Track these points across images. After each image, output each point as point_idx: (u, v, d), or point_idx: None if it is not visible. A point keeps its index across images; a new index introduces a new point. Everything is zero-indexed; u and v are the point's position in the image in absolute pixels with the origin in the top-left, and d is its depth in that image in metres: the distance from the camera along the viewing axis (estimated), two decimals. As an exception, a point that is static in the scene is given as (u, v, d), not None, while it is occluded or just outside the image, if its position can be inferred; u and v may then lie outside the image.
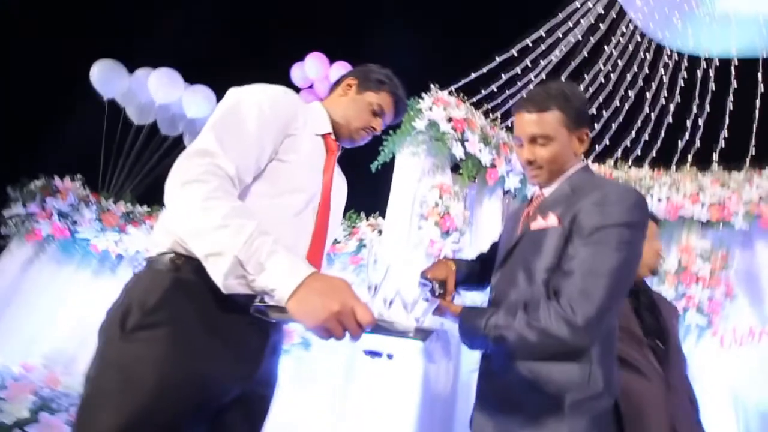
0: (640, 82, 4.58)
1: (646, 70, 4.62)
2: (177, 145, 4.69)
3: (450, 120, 2.83)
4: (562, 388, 0.97)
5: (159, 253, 0.91)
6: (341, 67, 4.68)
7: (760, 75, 4.39)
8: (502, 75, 3.62)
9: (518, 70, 3.67)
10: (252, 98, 0.99)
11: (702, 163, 3.61)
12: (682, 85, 4.67)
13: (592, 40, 4.15)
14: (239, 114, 0.96)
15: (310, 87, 5.13)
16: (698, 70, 4.68)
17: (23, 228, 3.34)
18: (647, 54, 4.66)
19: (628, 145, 4.23)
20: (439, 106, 2.86)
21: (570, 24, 3.93)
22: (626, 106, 4.46)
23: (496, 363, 1.10)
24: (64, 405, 2.45)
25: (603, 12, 4.21)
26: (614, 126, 4.26)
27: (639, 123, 4.41)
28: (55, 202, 3.36)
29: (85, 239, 3.41)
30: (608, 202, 1.03)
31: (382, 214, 3.15)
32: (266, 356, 0.95)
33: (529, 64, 3.69)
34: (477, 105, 3.20)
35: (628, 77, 4.53)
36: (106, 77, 4.40)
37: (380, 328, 0.74)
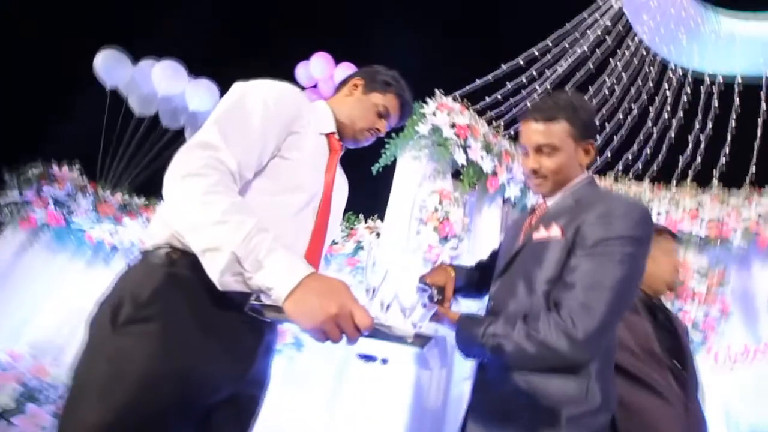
0: (644, 98, 4.60)
1: (651, 85, 4.64)
2: (177, 138, 4.67)
3: (453, 126, 2.83)
4: (558, 402, 0.96)
5: (155, 246, 0.89)
6: (346, 68, 4.68)
7: (763, 95, 4.41)
8: (508, 84, 3.62)
9: (524, 79, 3.67)
10: (258, 93, 0.98)
11: (702, 180, 3.62)
12: (686, 102, 4.70)
13: (599, 53, 4.17)
14: (244, 108, 0.95)
15: (314, 86, 5.12)
16: (702, 88, 4.70)
17: (18, 214, 3.31)
18: (652, 70, 4.68)
19: (630, 160, 4.25)
20: (443, 111, 2.85)
21: (577, 35, 3.94)
22: (629, 121, 4.47)
23: (491, 373, 1.08)
24: (51, 397, 2.42)
25: (610, 25, 4.22)
26: (616, 140, 4.28)
27: (641, 138, 4.43)
28: (52, 190, 3.33)
29: (80, 229, 3.37)
30: (613, 216, 1.02)
31: (381, 217, 3.14)
32: (259, 356, 0.93)
33: (535, 74, 3.69)
34: (481, 112, 3.20)
35: (633, 92, 4.55)
36: (110, 66, 4.38)
37: (378, 332, 0.73)
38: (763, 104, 4.36)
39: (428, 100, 2.89)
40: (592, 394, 0.96)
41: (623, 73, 4.44)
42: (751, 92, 4.53)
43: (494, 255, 1.39)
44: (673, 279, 1.52)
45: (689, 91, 4.68)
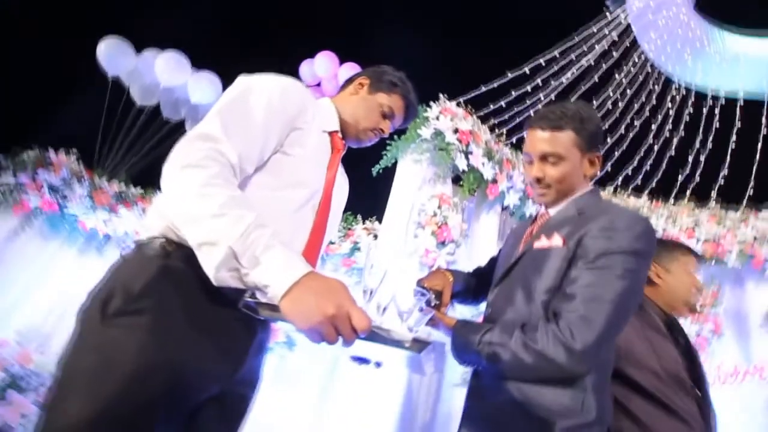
0: (647, 113, 4.63)
1: (654, 101, 4.67)
2: (177, 130, 4.64)
3: (456, 131, 2.82)
4: (553, 413, 0.95)
5: (149, 237, 0.87)
6: (350, 68, 4.68)
7: (764, 118, 4.45)
8: (512, 92, 3.62)
9: (528, 88, 3.68)
10: (262, 86, 0.96)
11: (700, 198, 3.64)
12: (688, 119, 4.73)
13: (604, 65, 4.19)
14: (248, 101, 0.93)
15: (318, 85, 5.11)
16: (704, 107, 4.74)
17: (11, 198, 3.26)
18: (656, 86, 4.71)
19: (630, 174, 4.27)
20: (446, 116, 2.84)
21: (584, 48, 3.96)
22: (631, 135, 4.49)
23: (486, 381, 1.07)
24: (33, 384, 2.38)
25: (617, 39, 4.25)
26: (617, 153, 4.29)
27: (642, 153, 4.45)
28: (47, 175, 3.29)
29: (74, 216, 3.33)
30: (616, 228, 1.01)
31: (379, 219, 3.12)
32: (251, 355, 0.91)
33: (540, 84, 3.70)
34: (484, 119, 3.20)
35: (636, 106, 4.57)
36: (113, 54, 4.35)
37: (375, 335, 0.71)
38: (764, 128, 4.39)
39: (432, 104, 2.88)
40: (588, 406, 0.95)
41: (627, 89, 4.47)
42: (752, 111, 4.57)
43: (493, 262, 1.38)
44: (692, 298, 1.48)
45: (691, 108, 4.72)
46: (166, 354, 0.76)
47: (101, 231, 3.34)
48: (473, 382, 1.13)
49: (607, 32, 4.10)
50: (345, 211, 1.28)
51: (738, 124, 4.47)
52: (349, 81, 1.29)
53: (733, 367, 2.96)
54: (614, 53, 4.21)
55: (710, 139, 4.51)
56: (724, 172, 4.17)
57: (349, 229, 3.17)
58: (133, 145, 4.46)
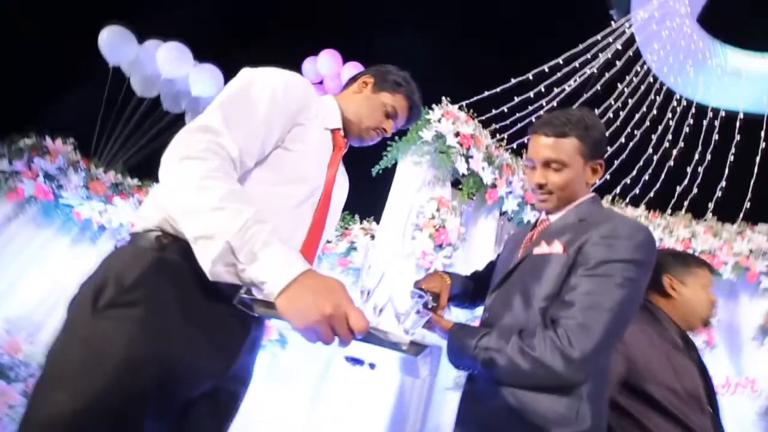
0: (647, 124, 4.64)
1: (655, 112, 4.69)
2: (177, 122, 4.61)
3: (457, 135, 2.82)
4: (548, 421, 0.94)
5: (145, 229, 0.85)
6: (353, 67, 4.67)
7: (763, 132, 4.48)
8: (515, 97, 3.62)
9: (531, 94, 3.68)
10: (266, 80, 0.95)
11: (697, 210, 3.65)
12: (687, 132, 4.75)
13: (607, 75, 4.20)
14: (250, 94, 0.92)
15: (320, 83, 5.10)
16: (704, 120, 4.76)
17: (5, 185, 3.22)
18: (657, 97, 4.73)
19: (628, 183, 4.28)
20: (448, 119, 2.84)
21: (588, 56, 3.97)
22: (631, 145, 4.51)
23: (481, 386, 1.06)
24: (22, 374, 2.34)
25: (621, 49, 4.26)
26: (616, 163, 4.31)
27: (641, 163, 4.47)
28: (43, 163, 3.25)
29: (69, 205, 3.29)
30: (617, 237, 1.00)
31: (377, 219, 3.11)
32: (244, 352, 0.89)
33: (543, 90, 3.70)
34: (485, 123, 3.19)
35: (637, 117, 4.59)
36: (115, 43, 4.31)
37: (372, 336, 0.70)
38: (763, 143, 4.42)
39: (434, 106, 2.88)
40: (583, 415, 0.94)
41: (629, 99, 4.48)
42: (751, 128, 4.60)
43: (491, 266, 1.38)
44: (708, 314, 1.44)
45: (691, 121, 4.74)
46: (158, 348, 0.75)
47: (96, 221, 3.30)
48: (468, 386, 1.12)
49: (611, 40, 4.12)
50: (343, 210, 1.27)
51: (737, 138, 4.50)
52: (353, 79, 1.28)
53: (725, 379, 2.97)
54: (618, 63, 4.23)
55: (709, 152, 4.54)
56: (722, 185, 4.20)
57: (346, 228, 3.16)
58: (132, 136, 4.42)
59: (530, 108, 3.71)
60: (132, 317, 0.75)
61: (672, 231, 3.39)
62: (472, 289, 1.34)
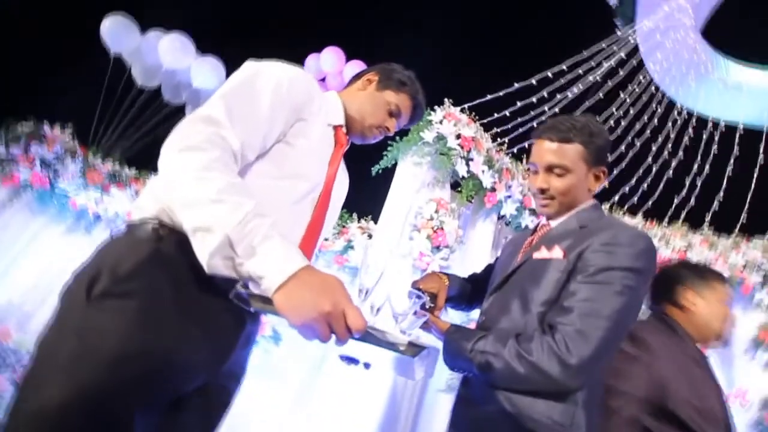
0: (648, 133, 4.66)
1: (656, 122, 4.71)
2: (177, 114, 4.58)
3: (458, 137, 2.81)
4: (542, 426, 0.93)
5: (142, 219, 0.84)
6: (357, 66, 4.66)
7: (762, 147, 4.50)
8: (518, 102, 3.62)
9: (534, 99, 3.68)
10: (270, 73, 0.94)
11: (694, 222, 3.66)
12: (687, 143, 4.77)
13: (610, 83, 4.21)
14: (254, 87, 0.91)
15: (322, 80, 5.08)
16: (704, 132, 4.79)
17: (1, 171, 3.19)
18: (659, 107, 4.75)
19: (626, 192, 4.29)
20: (450, 121, 2.83)
21: (593, 63, 3.98)
22: (630, 154, 4.53)
23: (475, 390, 1.05)
24: (10, 362, 2.32)
25: (625, 58, 4.27)
26: (616, 171, 4.32)
27: (640, 172, 4.48)
28: (40, 149, 3.22)
29: (64, 193, 3.26)
30: (618, 244, 1.00)
31: (374, 219, 3.10)
32: (238, 347, 0.88)
33: (546, 96, 3.70)
34: (486, 127, 3.19)
35: (637, 126, 4.61)
36: (117, 32, 4.28)
37: (369, 336, 0.69)
38: (761, 156, 4.45)
39: (436, 107, 2.87)
40: (578, 422, 0.94)
41: (631, 108, 4.50)
42: (751, 140, 4.63)
43: (489, 269, 1.37)
44: (725, 330, 1.40)
45: (691, 132, 4.77)
46: (151, 341, 0.73)
47: (91, 210, 3.27)
48: (462, 389, 1.11)
49: (616, 48, 4.13)
50: (341, 208, 1.26)
51: (736, 151, 4.53)
52: (358, 76, 1.27)
53: (716, 391, 2.98)
54: (621, 72, 4.25)
55: (708, 163, 4.56)
56: (720, 197, 4.21)
57: (344, 226, 3.15)
58: (130, 126, 4.39)
59: (532, 113, 3.71)
60: (126, 308, 0.73)
61: (668, 241, 3.40)
62: (470, 291, 1.34)
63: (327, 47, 4.92)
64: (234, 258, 0.70)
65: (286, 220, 0.93)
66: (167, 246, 0.80)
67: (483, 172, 2.88)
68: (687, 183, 4.42)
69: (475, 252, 2.91)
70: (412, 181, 2.79)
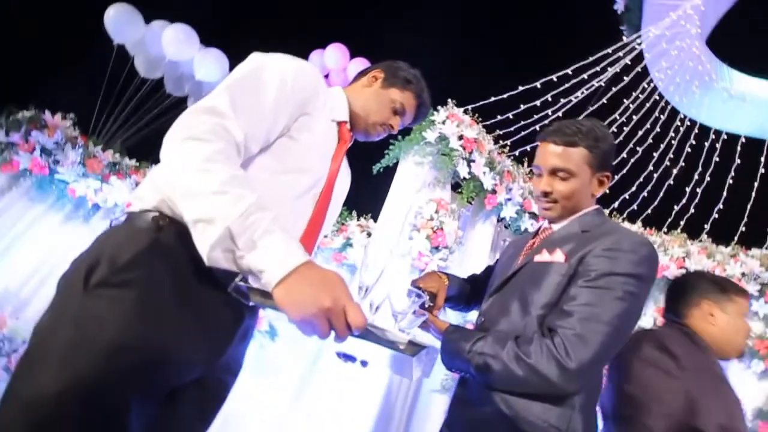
0: (650, 141, 4.66)
1: (658, 130, 4.71)
2: (179, 105, 4.56)
3: (461, 138, 2.81)
4: (538, 429, 0.93)
5: (142, 209, 0.83)
6: (361, 63, 4.64)
7: (763, 158, 4.51)
8: (521, 105, 3.62)
9: (538, 103, 3.68)
10: (276, 65, 0.93)
11: (692, 230, 3.66)
12: (689, 151, 4.78)
13: (614, 89, 4.21)
14: (260, 79, 0.90)
15: (326, 76, 5.06)
16: (706, 141, 4.79)
17: (0, 157, 3.17)
18: (662, 115, 4.76)
19: (627, 199, 4.29)
20: (452, 122, 2.83)
21: (598, 69, 3.98)
22: (632, 161, 4.53)
23: (472, 391, 1.05)
24: (5, 349, 2.31)
25: (630, 64, 4.27)
26: (617, 177, 4.32)
27: (641, 179, 4.48)
28: (41, 137, 3.20)
29: (64, 181, 3.24)
30: (620, 250, 1.00)
31: (374, 217, 3.10)
32: (236, 341, 0.88)
33: (550, 100, 3.70)
34: (489, 129, 3.19)
35: (640, 133, 4.61)
36: (121, 22, 4.26)
37: (370, 333, 0.69)
38: (762, 168, 4.45)
39: (439, 108, 2.87)
40: (574, 426, 0.94)
41: (634, 115, 4.50)
42: (752, 151, 4.64)
43: (488, 271, 1.37)
44: (743, 344, 1.37)
45: (693, 142, 4.77)
46: (148, 332, 0.73)
47: (90, 199, 3.25)
48: (459, 390, 1.11)
49: (621, 54, 4.13)
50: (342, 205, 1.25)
51: (737, 161, 4.53)
52: (363, 73, 1.26)
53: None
54: (625, 78, 4.25)
55: (708, 173, 4.57)
56: (719, 207, 4.22)
57: (343, 224, 3.14)
58: (132, 116, 4.37)
59: (535, 116, 3.71)
60: (124, 298, 0.73)
61: (666, 249, 3.39)
62: (469, 292, 1.34)
63: (331, 44, 4.91)
64: (234, 251, 0.70)
65: (287, 215, 0.92)
66: (167, 237, 0.79)
67: (484, 173, 2.87)
68: (687, 191, 4.42)
69: (473, 253, 2.91)
70: (413, 181, 2.78)
